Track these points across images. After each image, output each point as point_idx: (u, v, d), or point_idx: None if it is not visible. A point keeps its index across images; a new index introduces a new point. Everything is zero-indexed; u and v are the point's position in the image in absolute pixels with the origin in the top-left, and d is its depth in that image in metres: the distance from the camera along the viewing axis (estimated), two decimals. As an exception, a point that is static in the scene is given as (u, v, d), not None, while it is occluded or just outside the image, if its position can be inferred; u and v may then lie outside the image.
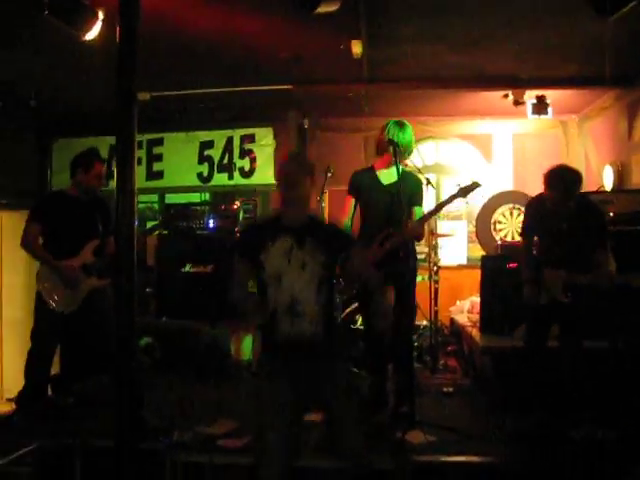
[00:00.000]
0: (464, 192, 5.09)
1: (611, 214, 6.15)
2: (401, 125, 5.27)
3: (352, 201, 5.42)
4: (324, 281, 3.54)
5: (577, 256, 4.90)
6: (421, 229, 5.23)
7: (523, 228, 5.35)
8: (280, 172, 3.68)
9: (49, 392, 5.66)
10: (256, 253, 3.55)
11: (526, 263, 5.27)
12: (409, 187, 5.23)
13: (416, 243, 5.41)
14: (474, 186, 5.10)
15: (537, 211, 5.15)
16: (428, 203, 5.53)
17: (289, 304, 3.48)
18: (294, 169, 3.61)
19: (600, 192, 7.21)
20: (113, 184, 3.96)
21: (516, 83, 7.63)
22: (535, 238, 5.27)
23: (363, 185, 5.40)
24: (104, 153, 9.12)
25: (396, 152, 5.08)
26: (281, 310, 3.50)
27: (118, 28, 3.78)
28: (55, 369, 5.82)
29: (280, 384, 3.51)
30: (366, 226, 5.39)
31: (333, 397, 3.57)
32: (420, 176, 5.52)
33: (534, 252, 5.29)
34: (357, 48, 6.25)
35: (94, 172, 5.46)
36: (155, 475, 4.24)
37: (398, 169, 5.10)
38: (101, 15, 4.77)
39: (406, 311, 5.22)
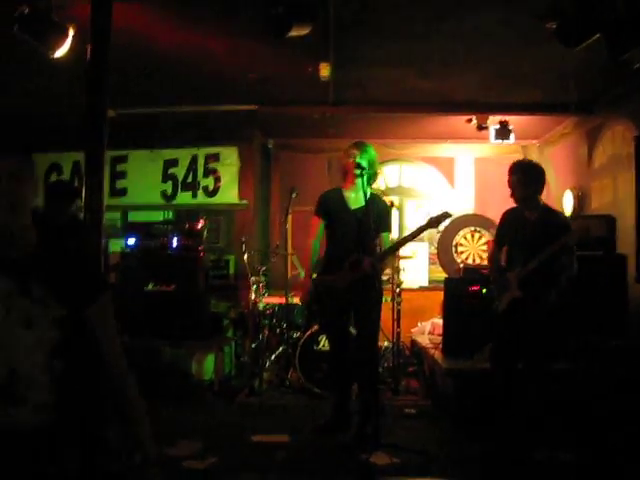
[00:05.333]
0: (435, 223, 5.08)
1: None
2: (364, 147, 5.28)
3: (320, 222, 5.42)
4: (63, 346, 2.14)
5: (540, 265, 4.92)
6: (381, 265, 5.21)
7: (495, 236, 5.44)
8: None
9: None
10: None
11: (494, 267, 5.37)
12: (376, 213, 5.22)
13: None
14: (444, 216, 5.08)
15: (508, 220, 5.25)
16: (393, 225, 5.54)
17: (2, 381, 2.04)
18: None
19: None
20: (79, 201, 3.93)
21: (481, 108, 7.77)
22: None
23: (332, 207, 5.40)
24: (67, 169, 9.08)
25: (362, 176, 5.09)
26: None
27: (89, 46, 3.76)
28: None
29: None
30: (333, 249, 5.39)
31: None
32: (385, 198, 5.52)
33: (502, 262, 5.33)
34: (325, 71, 6.27)
35: None
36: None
37: (365, 195, 5.11)
38: (71, 32, 4.70)
39: (372, 332, 5.23)
